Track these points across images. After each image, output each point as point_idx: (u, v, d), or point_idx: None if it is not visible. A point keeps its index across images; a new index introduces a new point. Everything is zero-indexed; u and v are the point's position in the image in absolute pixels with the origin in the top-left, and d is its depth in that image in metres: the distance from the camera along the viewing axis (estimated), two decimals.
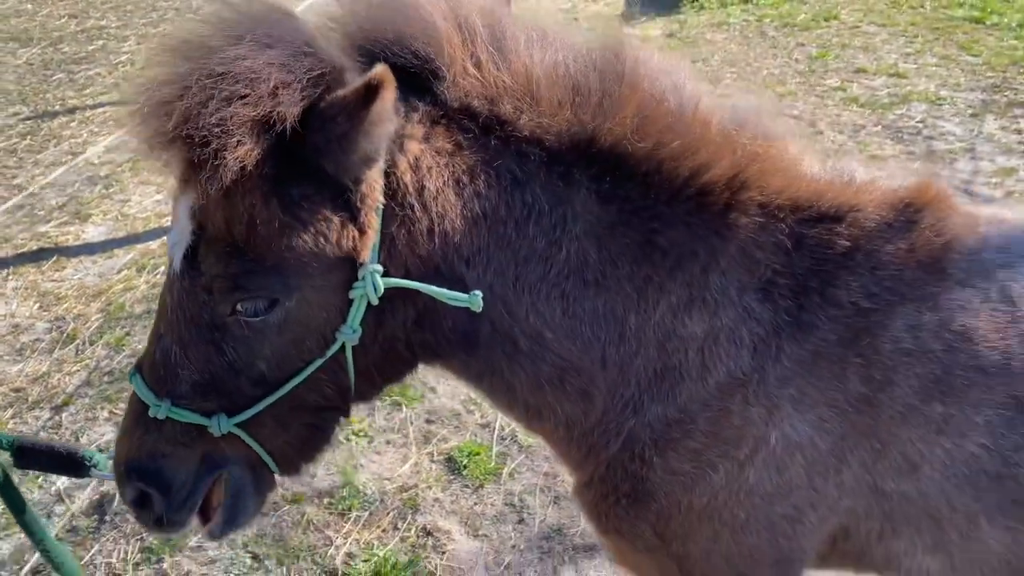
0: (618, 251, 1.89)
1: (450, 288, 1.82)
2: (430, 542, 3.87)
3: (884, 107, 8.51)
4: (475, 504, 4.08)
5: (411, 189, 1.77)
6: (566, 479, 4.20)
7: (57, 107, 9.29)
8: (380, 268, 1.76)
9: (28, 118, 9.04)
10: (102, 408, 4.82)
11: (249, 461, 1.91)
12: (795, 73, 9.52)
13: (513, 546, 3.85)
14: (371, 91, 1.57)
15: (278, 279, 1.71)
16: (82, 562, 3.78)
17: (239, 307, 1.72)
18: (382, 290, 1.76)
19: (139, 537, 3.88)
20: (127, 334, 5.48)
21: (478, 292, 1.80)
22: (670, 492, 2.01)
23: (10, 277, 6.23)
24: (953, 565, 2.07)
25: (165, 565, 3.73)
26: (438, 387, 4.80)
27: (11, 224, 6.96)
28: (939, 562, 2.07)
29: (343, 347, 1.82)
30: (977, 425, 1.89)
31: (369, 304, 1.79)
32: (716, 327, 1.91)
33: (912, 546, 2.06)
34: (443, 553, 3.81)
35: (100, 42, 11.48)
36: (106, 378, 5.08)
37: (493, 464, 4.28)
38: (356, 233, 1.74)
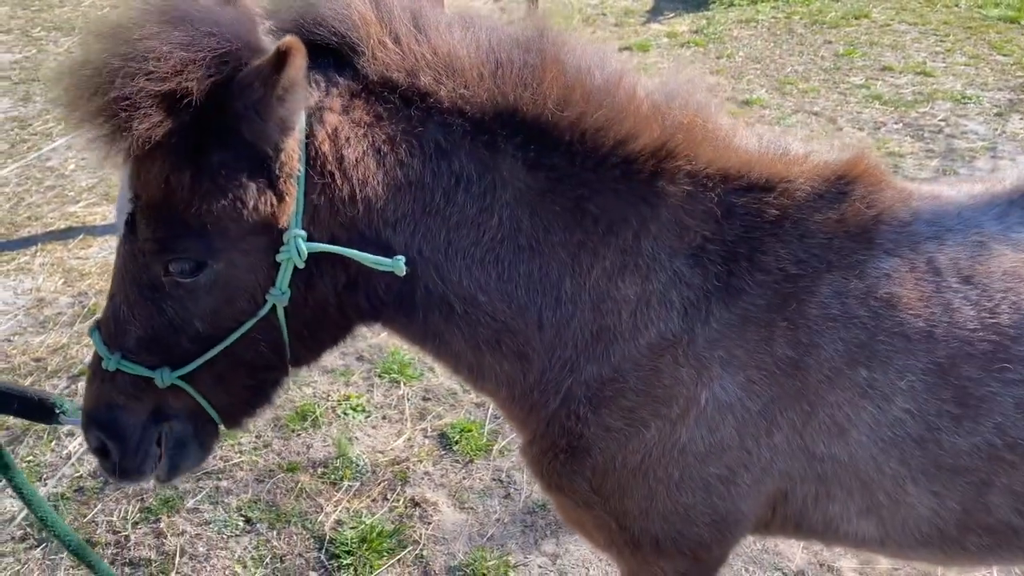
0: (550, 217, 1.97)
1: (378, 252, 1.92)
2: (417, 513, 3.99)
3: (907, 105, 8.44)
4: (464, 478, 4.19)
5: (330, 158, 1.87)
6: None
7: None
8: (303, 233, 1.85)
9: None
10: None
11: (193, 413, 2.05)
12: (819, 70, 9.48)
13: (497, 519, 3.95)
14: (282, 57, 1.67)
15: (202, 242, 1.81)
16: (85, 519, 3.96)
17: (170, 267, 1.84)
18: (306, 254, 1.87)
19: (139, 498, 4.06)
20: None
21: (401, 256, 1.90)
22: (604, 448, 2.10)
23: (38, 254, 6.48)
24: (885, 529, 2.13)
25: (162, 524, 3.90)
26: (436, 367, 4.92)
27: (42, 204, 7.23)
28: (872, 526, 2.13)
29: (274, 309, 1.93)
30: (901, 390, 1.94)
31: (296, 268, 1.90)
32: (648, 290, 1.99)
33: (846, 510, 2.12)
34: (428, 523, 3.92)
35: None
36: None
37: (484, 441, 4.38)
38: (274, 199, 1.84)
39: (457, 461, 4.29)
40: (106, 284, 6.04)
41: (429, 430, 4.48)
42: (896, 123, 8.07)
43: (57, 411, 2.19)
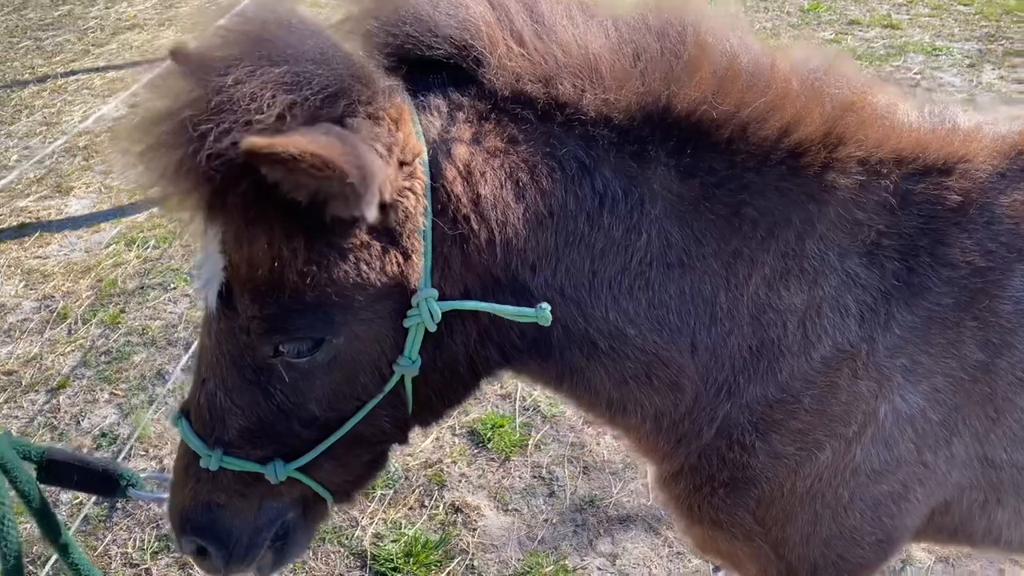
0: (703, 228, 1.70)
1: (514, 298, 1.65)
2: (460, 519, 3.74)
3: (881, 59, 8.38)
4: (503, 478, 3.95)
5: (464, 200, 1.58)
6: (594, 449, 4.09)
7: (27, 76, 8.90)
8: (434, 292, 1.58)
9: None
10: (101, 390, 4.61)
11: (304, 499, 1.80)
12: (787, 26, 9.36)
13: (546, 520, 3.73)
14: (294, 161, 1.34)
15: (320, 316, 1.53)
16: (95, 552, 3.61)
17: (281, 348, 1.56)
18: (439, 316, 1.59)
19: (155, 525, 3.71)
20: (121, 311, 5.26)
21: (545, 305, 1.62)
22: (773, 477, 1.87)
23: None
24: None
25: None
26: None
27: None
28: None
29: (402, 380, 1.66)
30: None
31: (427, 331, 1.62)
32: (817, 297, 1.76)
33: (1016, 516, 1.95)
34: (474, 530, 3.68)
35: (67, 7, 11.02)
36: (103, 358, 4.87)
37: (518, 436, 4.15)
38: (400, 258, 1.56)
39: (492, 459, 4.05)
40: (73, 285, 5.58)
41: (457, 428, 4.22)
42: (873, 78, 8.00)
43: (124, 483, 1.86)
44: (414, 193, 1.55)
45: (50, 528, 1.81)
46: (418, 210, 1.54)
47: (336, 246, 1.50)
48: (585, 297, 1.70)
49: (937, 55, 8.44)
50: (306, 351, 1.56)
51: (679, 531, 2.21)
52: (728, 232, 1.72)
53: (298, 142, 1.31)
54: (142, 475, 2.00)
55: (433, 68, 1.60)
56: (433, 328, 1.60)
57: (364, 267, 1.52)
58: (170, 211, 1.50)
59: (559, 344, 1.75)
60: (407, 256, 1.56)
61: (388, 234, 1.53)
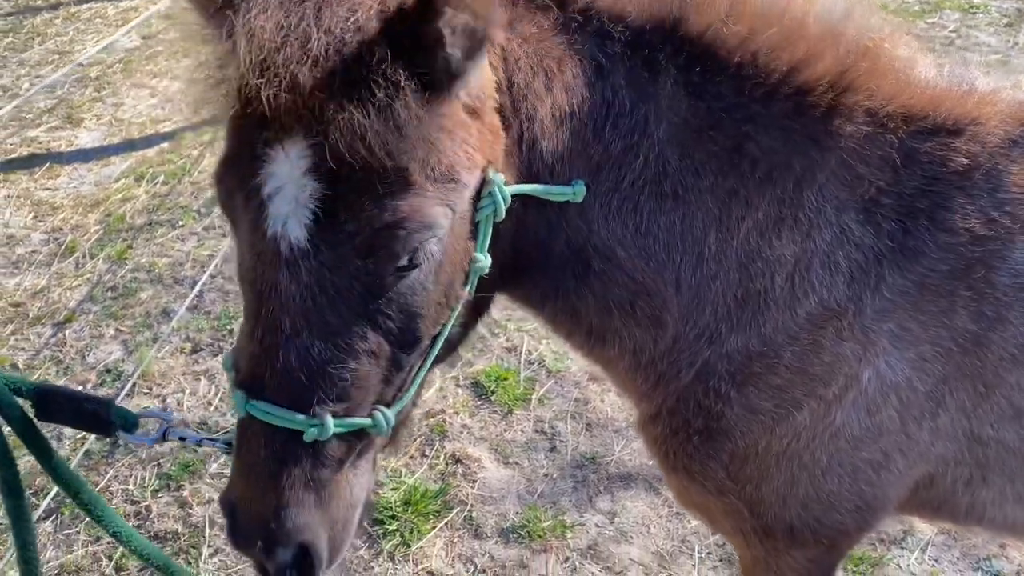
0: (703, 159, 1.67)
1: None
2: (460, 470, 3.73)
3: (915, 15, 8.10)
4: (504, 431, 3.93)
5: (504, 86, 1.55)
6: (597, 406, 4.05)
7: (39, 2, 8.75)
8: (503, 177, 1.53)
9: (9, 14, 8.52)
10: (107, 325, 4.60)
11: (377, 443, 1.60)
12: None
13: (546, 475, 3.72)
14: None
15: (441, 209, 1.41)
16: (97, 488, 3.63)
17: (407, 258, 1.41)
18: (509, 201, 1.54)
19: (156, 463, 3.72)
20: (129, 247, 5.22)
21: (580, 181, 1.63)
22: (747, 432, 1.83)
23: (1, 185, 5.91)
24: None
25: (185, 493, 3.58)
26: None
27: None
28: None
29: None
30: None
31: (495, 225, 1.56)
32: (809, 250, 1.71)
33: (1001, 496, 1.92)
34: (474, 482, 3.68)
35: None
36: (109, 293, 4.85)
37: (521, 389, 4.12)
38: (490, 136, 1.51)
39: (495, 412, 4.02)
40: (81, 218, 5.54)
41: (461, 379, 4.19)
42: (906, 35, 7.74)
43: (116, 425, 1.81)
44: (491, 64, 1.52)
45: (48, 462, 1.78)
46: (491, 84, 1.52)
47: (445, 127, 1.42)
48: (588, 207, 1.68)
49: (974, 13, 8.15)
50: (427, 256, 1.42)
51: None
52: (727, 168, 1.68)
53: None
54: (145, 408, 1.97)
55: None
56: (502, 215, 1.55)
57: (469, 148, 1.46)
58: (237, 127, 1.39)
59: (557, 259, 1.72)
60: (494, 132, 1.53)
61: (475, 112, 1.48)
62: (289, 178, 1.35)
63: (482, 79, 1.49)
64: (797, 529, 1.96)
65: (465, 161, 1.44)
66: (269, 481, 1.43)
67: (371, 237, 1.37)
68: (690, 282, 1.74)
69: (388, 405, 1.50)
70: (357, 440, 1.48)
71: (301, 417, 1.39)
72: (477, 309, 1.72)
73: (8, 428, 1.76)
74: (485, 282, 1.62)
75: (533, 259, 1.73)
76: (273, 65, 1.28)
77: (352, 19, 1.32)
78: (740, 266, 1.73)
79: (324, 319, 1.39)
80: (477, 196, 1.50)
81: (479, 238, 1.54)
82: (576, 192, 1.62)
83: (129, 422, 1.87)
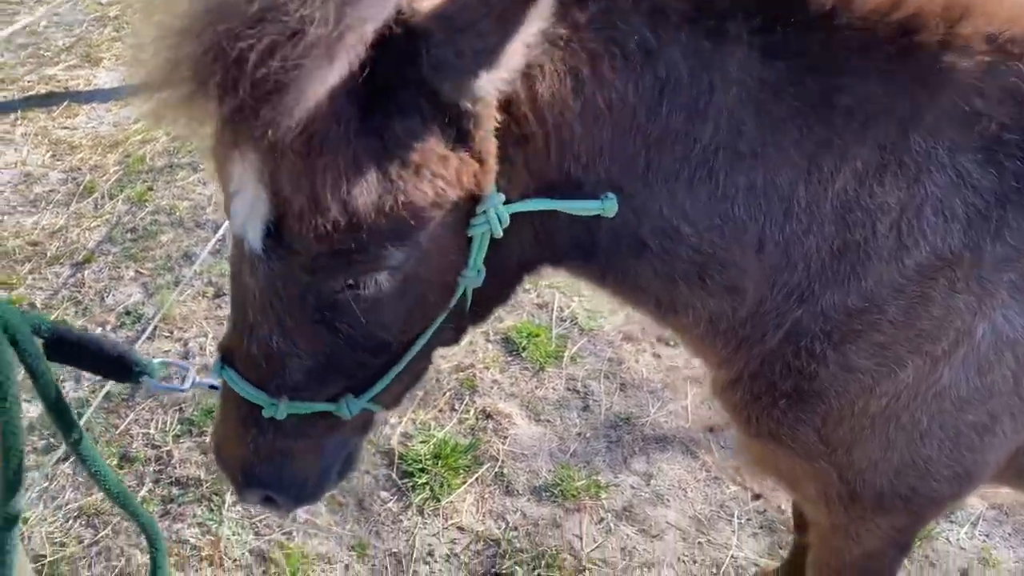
0: (784, 115, 1.50)
1: (564, 197, 1.51)
2: (490, 425, 3.62)
3: None
4: (536, 388, 3.81)
5: (523, 97, 1.39)
6: (632, 366, 3.93)
7: None
8: (502, 197, 1.43)
9: None
10: (127, 267, 4.48)
11: (365, 422, 1.70)
12: None
13: (579, 434, 3.60)
14: None
15: (395, 243, 1.34)
16: (117, 431, 3.52)
17: (350, 282, 1.38)
18: (507, 221, 1.43)
19: (177, 408, 3.61)
20: (149, 189, 5.08)
21: (611, 195, 1.49)
22: (843, 392, 1.69)
23: (19, 122, 5.76)
24: None
25: (208, 438, 3.47)
26: None
27: (16, 64, 6.42)
28: None
29: (464, 290, 1.53)
30: None
31: (492, 239, 1.47)
32: (918, 196, 1.54)
33: None
34: (505, 438, 3.56)
35: None
36: (129, 235, 4.72)
37: (553, 347, 3.99)
38: (477, 166, 1.37)
39: (526, 368, 3.90)
40: (101, 159, 5.40)
41: (491, 334, 4.06)
42: None
43: (138, 371, 1.68)
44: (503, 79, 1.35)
45: (60, 414, 1.63)
46: (492, 109, 1.36)
47: (411, 164, 1.29)
48: (639, 191, 1.53)
49: None
50: (376, 280, 1.38)
51: (736, 446, 2.05)
52: (815, 122, 1.51)
53: None
54: (163, 359, 1.83)
55: None
56: (500, 234, 1.44)
57: (441, 185, 1.33)
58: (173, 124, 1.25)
59: (607, 244, 1.60)
60: (482, 162, 1.38)
61: (464, 140, 1.34)
62: (245, 183, 1.30)
63: (482, 105, 1.34)
64: (887, 496, 1.83)
65: (432, 198, 1.32)
66: (238, 439, 1.58)
67: (311, 261, 1.33)
68: (776, 240, 1.59)
69: (357, 394, 1.55)
70: (322, 419, 1.56)
71: (263, 396, 1.48)
72: (507, 293, 1.68)
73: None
74: (511, 279, 1.62)
75: (569, 253, 1.63)
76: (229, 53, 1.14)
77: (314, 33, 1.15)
78: (836, 217, 1.57)
79: (280, 319, 1.42)
80: (471, 212, 1.41)
81: (472, 253, 1.45)
82: (606, 207, 1.49)
83: (152, 369, 1.75)
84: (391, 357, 1.54)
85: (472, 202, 1.41)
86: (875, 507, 1.87)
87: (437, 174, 1.32)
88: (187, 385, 1.77)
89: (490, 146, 1.37)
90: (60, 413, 1.59)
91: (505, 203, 1.43)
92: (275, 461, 1.59)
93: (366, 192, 1.26)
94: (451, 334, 1.64)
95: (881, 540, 1.92)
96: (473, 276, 1.48)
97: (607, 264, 1.64)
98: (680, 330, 1.85)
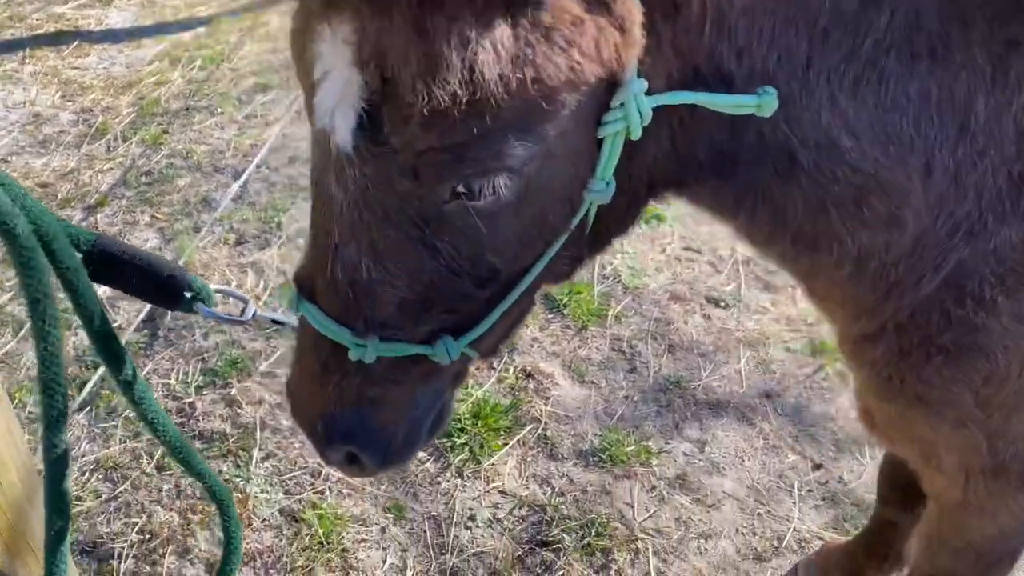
0: (972, 3, 1.26)
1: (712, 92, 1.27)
2: (531, 385, 3.40)
3: None
4: (578, 347, 3.59)
5: None
6: (680, 327, 3.70)
7: None
8: (645, 84, 1.18)
9: None
10: (142, 212, 4.24)
11: (461, 371, 1.48)
12: None
13: (626, 396, 3.38)
14: None
15: (520, 136, 1.12)
16: None
17: (461, 188, 1.15)
18: (648, 118, 1.18)
19: (200, 358, 3.39)
20: (164, 132, 4.82)
21: (770, 89, 1.24)
22: (1014, 348, 1.46)
23: (27, 60, 5.48)
24: None
25: (233, 391, 3.25)
26: None
27: (23, 2, 6.13)
28: None
29: (589, 209, 1.30)
30: None
31: (628, 142, 1.22)
32: None
33: None
34: (547, 399, 3.34)
35: None
36: (144, 179, 4.47)
37: (596, 305, 3.76)
38: (618, 36, 1.13)
39: (568, 327, 3.68)
40: (113, 100, 5.13)
41: None
42: None
43: (191, 297, 1.45)
44: None
45: (106, 343, 1.40)
46: None
47: (544, 32, 1.07)
48: (796, 92, 1.29)
49: None
50: (493, 185, 1.15)
51: (860, 411, 1.81)
52: (1008, 11, 1.27)
53: None
54: (219, 285, 1.60)
55: None
56: (639, 134, 1.20)
57: (577, 56, 1.10)
58: None
59: (749, 156, 1.35)
60: (624, 31, 1.14)
61: (601, 3, 1.11)
62: (335, 65, 1.10)
63: None
64: None
65: (566, 74, 1.08)
66: (318, 386, 1.36)
67: (414, 159, 1.12)
68: (947, 164, 1.35)
69: (457, 335, 1.31)
70: (416, 364, 1.33)
71: (348, 335, 1.26)
72: (632, 217, 1.43)
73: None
74: (638, 200, 1.37)
75: (706, 169, 1.38)
76: None
77: None
78: (1018, 137, 1.33)
79: (372, 237, 1.20)
80: (604, 106, 1.17)
81: (601, 160, 1.22)
82: (763, 104, 1.25)
83: (208, 294, 1.52)
84: (498, 289, 1.30)
85: (607, 93, 1.17)
86: (1020, 482, 1.65)
87: (571, 41, 1.08)
88: (248, 316, 1.54)
89: (635, 12, 1.13)
90: (106, 342, 1.36)
91: (648, 93, 1.19)
92: (361, 412, 1.36)
93: (494, 56, 1.03)
94: (566, 265, 1.39)
95: (1017, 520, 1.71)
96: (601, 188, 1.25)
97: (746, 185, 1.39)
98: (815, 273, 1.59)
